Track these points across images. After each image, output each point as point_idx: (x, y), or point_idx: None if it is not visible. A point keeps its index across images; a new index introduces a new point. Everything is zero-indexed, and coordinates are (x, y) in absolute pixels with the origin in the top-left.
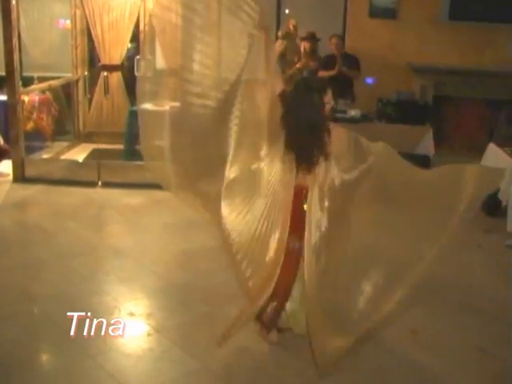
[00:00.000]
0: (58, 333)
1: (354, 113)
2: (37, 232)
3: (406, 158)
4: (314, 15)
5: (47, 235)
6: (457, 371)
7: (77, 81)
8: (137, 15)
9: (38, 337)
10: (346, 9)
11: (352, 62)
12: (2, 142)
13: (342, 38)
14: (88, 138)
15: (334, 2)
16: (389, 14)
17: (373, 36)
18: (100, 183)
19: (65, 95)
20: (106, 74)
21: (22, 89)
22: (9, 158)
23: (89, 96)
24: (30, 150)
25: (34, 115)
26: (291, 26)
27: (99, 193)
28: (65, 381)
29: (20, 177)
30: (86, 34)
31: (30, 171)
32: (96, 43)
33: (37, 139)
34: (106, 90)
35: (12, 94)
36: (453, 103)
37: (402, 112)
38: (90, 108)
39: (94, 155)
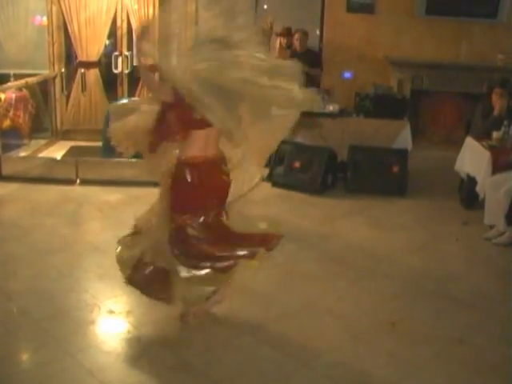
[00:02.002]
0: (36, 330)
1: (332, 108)
2: (14, 229)
3: (385, 153)
4: (292, 10)
5: (25, 232)
6: (434, 361)
7: (54, 78)
8: (114, 11)
9: (15, 334)
10: (323, 3)
11: (313, 59)
12: None
13: (305, 33)
14: (66, 135)
15: None
16: (366, 8)
17: (350, 30)
18: (78, 180)
19: (42, 92)
20: (83, 70)
21: None
22: None
23: (66, 93)
24: (7, 147)
25: (11, 113)
26: (268, 24)
27: (77, 190)
28: (44, 378)
29: None
30: (63, 30)
31: (6, 169)
32: (73, 40)
33: (14, 137)
34: (84, 87)
35: None
36: (430, 97)
37: (379, 106)
38: (67, 105)
39: (71, 152)
